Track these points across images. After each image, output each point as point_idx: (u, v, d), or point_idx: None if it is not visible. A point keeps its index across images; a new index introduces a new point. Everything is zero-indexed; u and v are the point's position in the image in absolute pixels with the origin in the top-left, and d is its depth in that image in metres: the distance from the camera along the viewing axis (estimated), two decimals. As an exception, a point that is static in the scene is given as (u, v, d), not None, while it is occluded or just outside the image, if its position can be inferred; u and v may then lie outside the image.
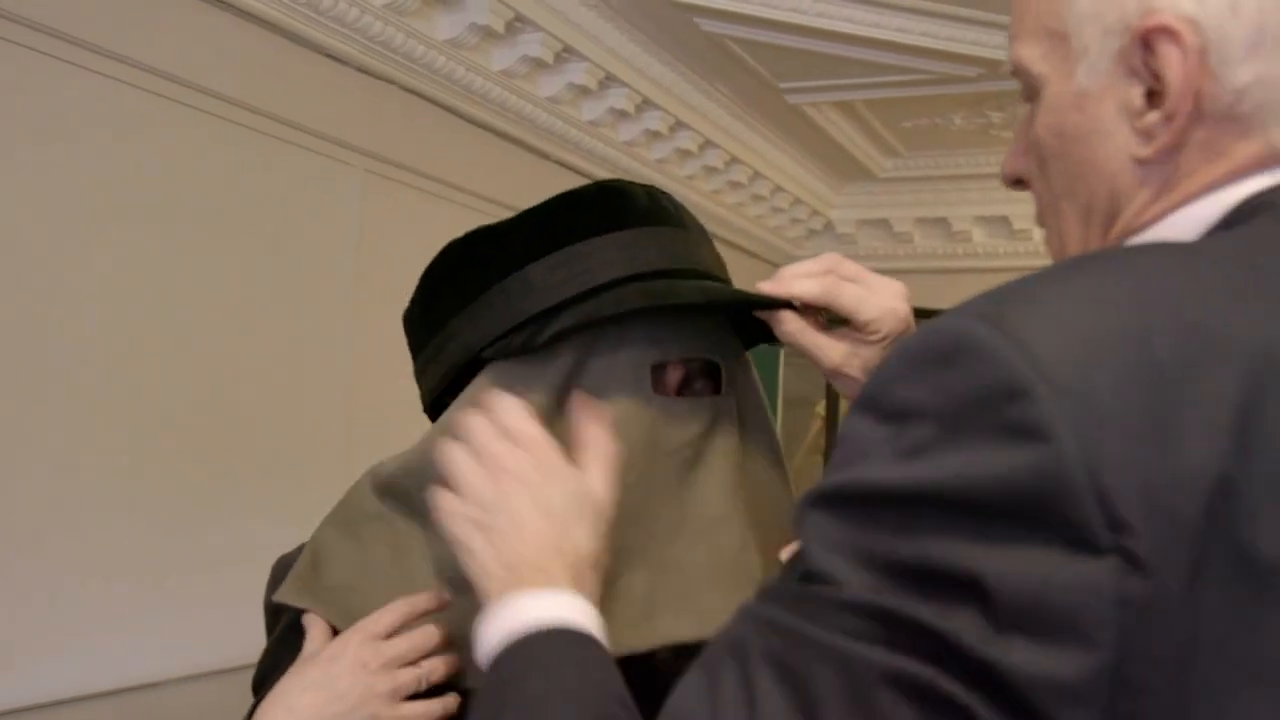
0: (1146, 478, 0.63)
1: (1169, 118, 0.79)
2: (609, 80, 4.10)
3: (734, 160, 5.14)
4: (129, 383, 2.61)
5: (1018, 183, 0.95)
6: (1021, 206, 5.87)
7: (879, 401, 0.72)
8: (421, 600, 1.08)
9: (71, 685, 2.49)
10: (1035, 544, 0.63)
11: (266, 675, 1.20)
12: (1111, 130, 0.82)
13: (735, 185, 5.36)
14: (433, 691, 1.08)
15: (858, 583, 0.68)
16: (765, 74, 4.43)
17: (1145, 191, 0.82)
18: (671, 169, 4.89)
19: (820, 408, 5.53)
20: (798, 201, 5.89)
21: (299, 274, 3.08)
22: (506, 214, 1.20)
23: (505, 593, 0.94)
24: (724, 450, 1.18)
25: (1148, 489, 0.62)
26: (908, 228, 6.21)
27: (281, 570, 1.23)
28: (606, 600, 1.06)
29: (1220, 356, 0.65)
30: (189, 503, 2.74)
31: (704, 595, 1.12)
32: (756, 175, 5.39)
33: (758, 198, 5.62)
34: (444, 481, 1.04)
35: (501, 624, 0.92)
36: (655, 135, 4.57)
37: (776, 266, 4.77)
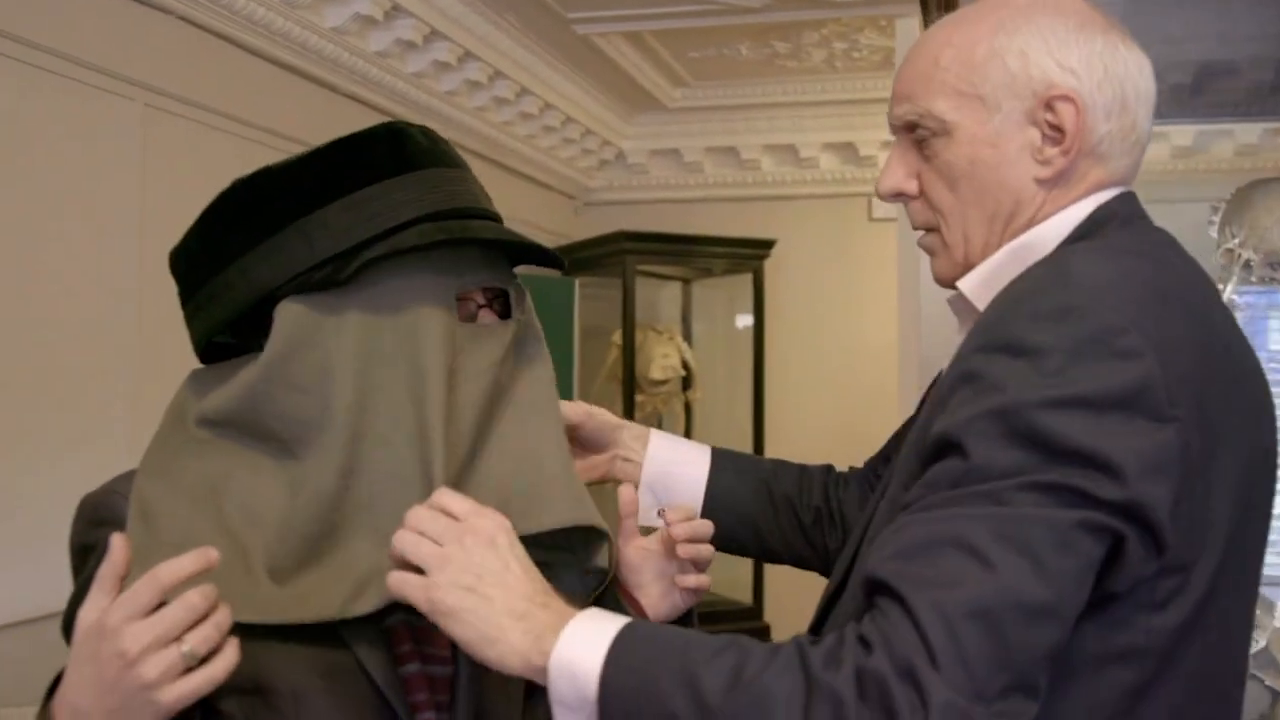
0: (1180, 376, 1.06)
1: (1065, 152, 1.22)
2: (395, 11, 4.04)
3: (524, 92, 5.13)
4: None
5: (897, 196, 1.32)
6: (807, 135, 6.03)
7: (1010, 345, 1.07)
8: (183, 564, 1.02)
9: None
10: (1139, 421, 1.03)
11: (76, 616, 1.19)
12: (1016, 160, 1.23)
13: (526, 117, 5.35)
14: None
15: (1032, 467, 1.02)
16: (553, 4, 4.43)
17: (1038, 200, 1.24)
18: (461, 101, 4.86)
19: (617, 337, 5.60)
20: (589, 132, 5.91)
21: (80, 211, 2.98)
22: (294, 147, 1.23)
23: (543, 632, 1.07)
24: (524, 368, 1.30)
25: (1181, 383, 1.06)
26: (698, 157, 6.30)
27: (89, 510, 1.22)
28: None
29: (1177, 309, 1.11)
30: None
31: (546, 498, 1.25)
32: (547, 107, 5.39)
33: (549, 129, 5.62)
34: (405, 564, 1.11)
35: (585, 650, 1.05)
36: (444, 67, 4.52)
37: (571, 198, 4.79)
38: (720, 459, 1.68)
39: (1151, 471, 1.03)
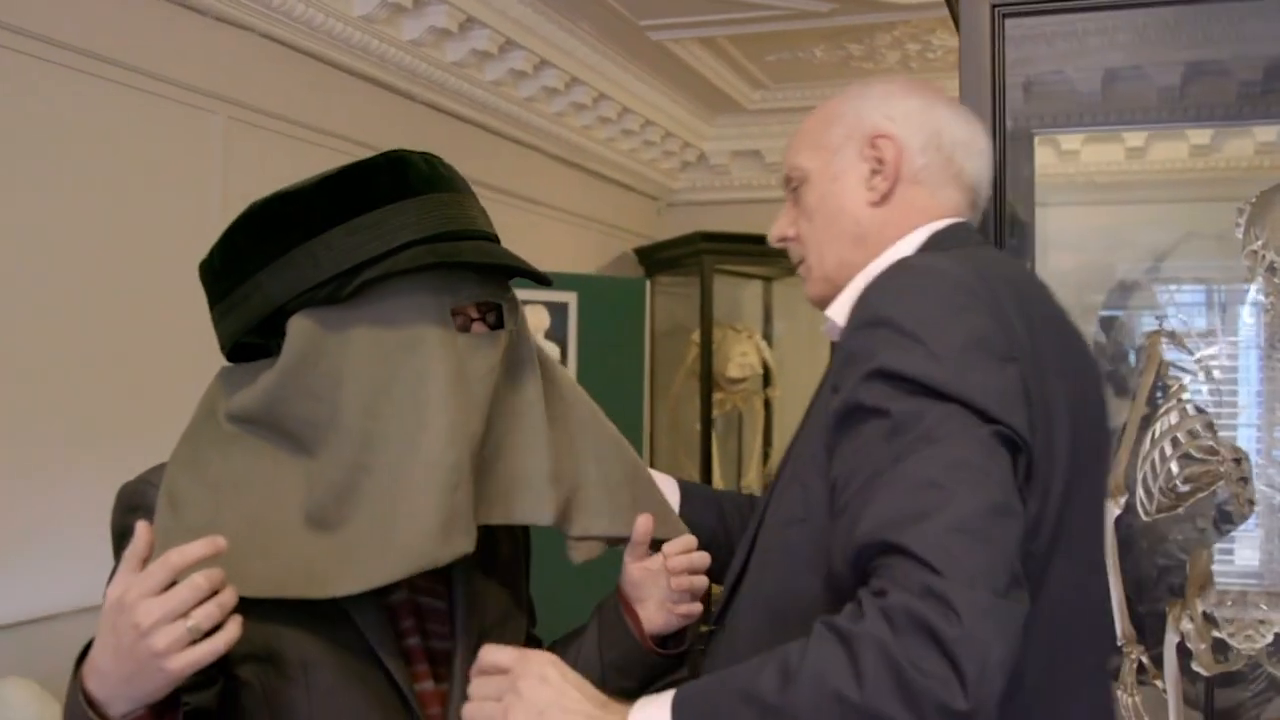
0: (1011, 334, 1.27)
1: (887, 178, 1.50)
2: (470, 23, 4.18)
3: (602, 97, 5.25)
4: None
5: (783, 240, 1.61)
6: (886, 135, 6.06)
7: (869, 320, 1.29)
8: (193, 550, 1.14)
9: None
10: (994, 362, 1.23)
11: None
12: (853, 190, 1.53)
13: (605, 121, 5.47)
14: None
15: (928, 406, 1.19)
16: (625, 11, 4.54)
17: (877, 223, 1.52)
18: (540, 106, 4.99)
19: (696, 335, 5.70)
20: (669, 135, 6.01)
21: (163, 222, 3.15)
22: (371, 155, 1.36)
23: None
24: (516, 374, 1.41)
25: (1014, 340, 1.27)
26: (779, 157, 6.35)
27: (125, 499, 1.37)
28: (444, 508, 1.27)
29: (1003, 289, 1.32)
30: (71, 444, 2.84)
31: (539, 490, 1.38)
32: (626, 111, 5.50)
33: (629, 133, 5.73)
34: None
35: None
36: (520, 74, 4.65)
37: (654, 199, 4.86)
38: (687, 489, 1.80)
39: (1009, 401, 1.22)
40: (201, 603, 1.12)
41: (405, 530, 1.26)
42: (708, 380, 5.64)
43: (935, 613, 1.05)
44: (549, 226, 5.44)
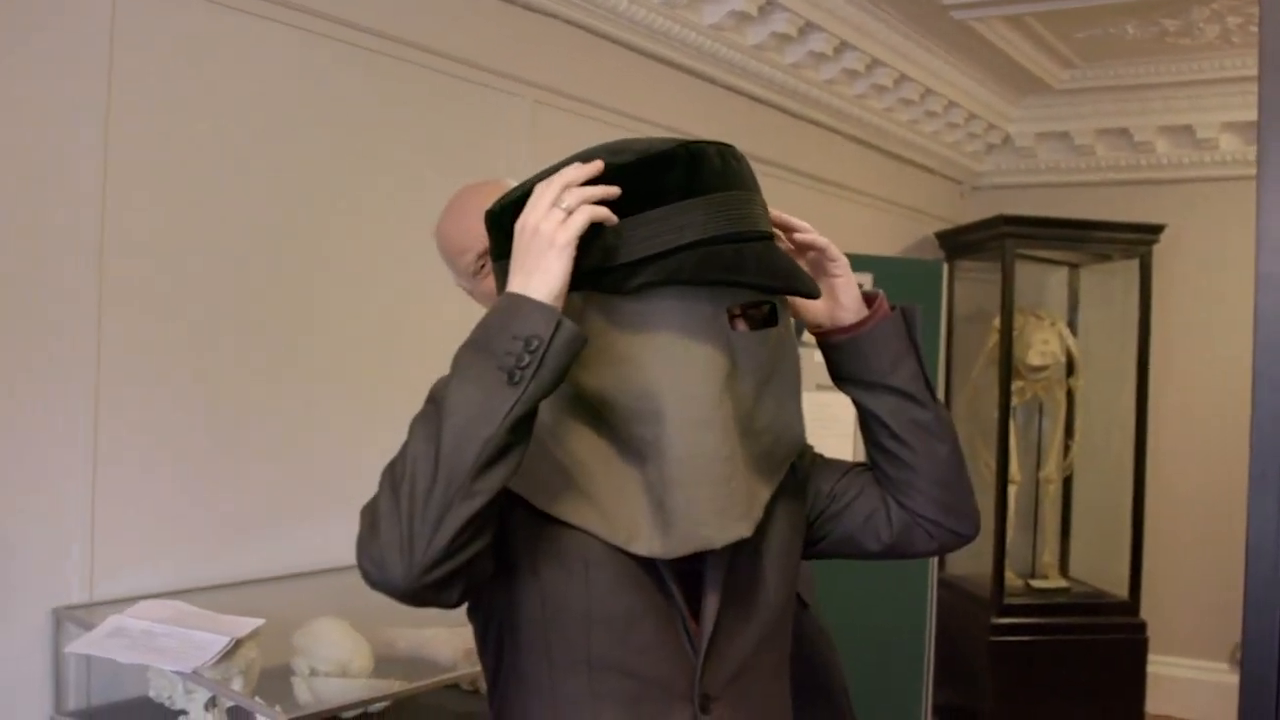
0: None
1: None
2: (769, 6, 4.24)
3: (903, 78, 5.21)
4: (312, 309, 2.96)
5: None
6: (1206, 115, 5.79)
7: None
8: (578, 171, 1.33)
9: (282, 564, 2.90)
10: None
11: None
12: None
13: (907, 103, 5.43)
14: None
15: None
16: (927, -8, 4.51)
17: None
18: (841, 89, 5.00)
19: (996, 322, 5.58)
20: (973, 117, 5.92)
21: (474, 199, 3.35)
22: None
23: None
24: (783, 365, 1.48)
25: None
26: (1089, 140, 6.17)
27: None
28: (719, 498, 1.37)
29: None
30: (373, 410, 3.07)
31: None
32: (928, 92, 5.45)
33: (931, 114, 5.67)
34: None
35: None
36: (821, 57, 4.68)
37: (957, 183, 4.80)
38: None
39: None
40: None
41: (681, 517, 1.35)
42: (1007, 367, 5.52)
43: None
44: (849, 209, 5.45)
